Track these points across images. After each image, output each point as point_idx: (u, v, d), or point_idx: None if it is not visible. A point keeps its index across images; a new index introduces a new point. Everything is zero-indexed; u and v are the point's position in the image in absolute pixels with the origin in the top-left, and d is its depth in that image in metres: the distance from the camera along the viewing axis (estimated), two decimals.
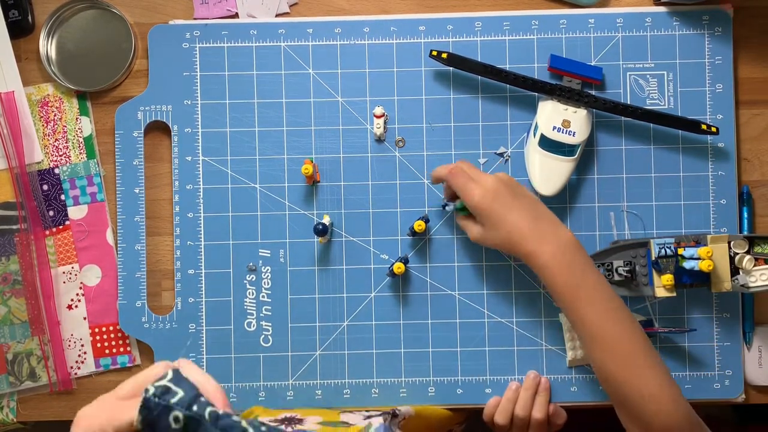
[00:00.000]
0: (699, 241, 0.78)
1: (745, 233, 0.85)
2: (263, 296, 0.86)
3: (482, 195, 0.75)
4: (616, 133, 0.86)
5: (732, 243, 0.78)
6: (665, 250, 0.77)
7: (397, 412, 0.78)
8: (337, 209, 0.87)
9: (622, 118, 0.85)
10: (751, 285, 0.77)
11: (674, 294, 0.77)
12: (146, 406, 0.48)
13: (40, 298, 0.86)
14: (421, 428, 0.84)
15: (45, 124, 0.88)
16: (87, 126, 0.88)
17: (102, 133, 0.88)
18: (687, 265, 0.76)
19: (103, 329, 0.87)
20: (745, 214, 0.86)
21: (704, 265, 0.75)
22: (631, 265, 0.80)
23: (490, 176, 0.77)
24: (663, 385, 0.71)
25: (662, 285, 0.77)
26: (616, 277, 0.80)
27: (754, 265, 0.77)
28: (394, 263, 0.82)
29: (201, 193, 0.87)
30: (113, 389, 0.53)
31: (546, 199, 0.85)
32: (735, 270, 0.78)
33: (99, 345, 0.87)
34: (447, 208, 0.84)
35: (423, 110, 0.87)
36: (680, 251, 0.77)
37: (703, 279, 0.78)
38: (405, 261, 0.83)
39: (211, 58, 0.87)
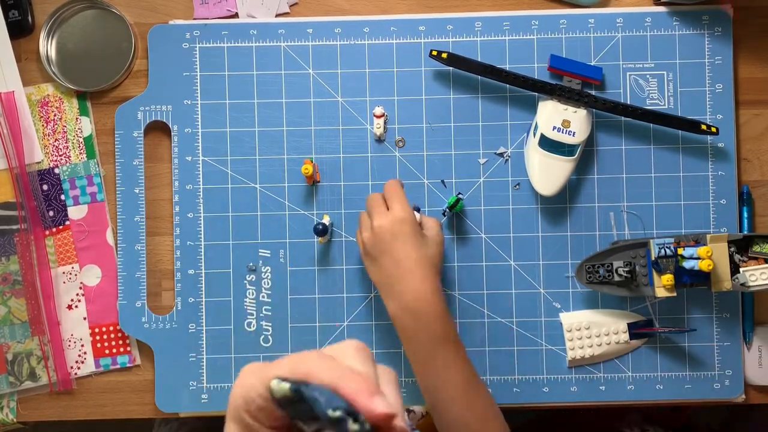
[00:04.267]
0: (699, 241, 0.78)
1: (745, 233, 0.85)
2: (263, 296, 0.86)
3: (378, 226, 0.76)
4: (616, 133, 0.86)
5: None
6: (665, 250, 0.77)
7: (410, 409, 0.79)
8: (337, 209, 0.87)
9: (622, 118, 0.85)
10: (751, 284, 0.77)
11: (674, 294, 0.77)
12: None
13: (40, 298, 0.86)
14: (429, 427, 0.84)
15: (45, 124, 0.88)
16: (87, 126, 0.88)
17: (102, 133, 0.88)
18: (687, 264, 0.76)
19: (103, 329, 0.87)
20: (745, 214, 0.86)
21: (704, 265, 0.75)
22: (631, 265, 0.80)
23: (399, 212, 0.75)
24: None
25: (662, 285, 0.77)
26: (616, 278, 0.80)
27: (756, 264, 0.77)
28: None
29: (201, 193, 0.87)
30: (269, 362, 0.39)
31: (546, 199, 0.85)
32: (735, 269, 0.78)
33: (99, 345, 0.87)
34: (446, 215, 0.85)
35: (423, 110, 0.87)
36: (680, 251, 0.77)
37: (703, 279, 0.78)
38: None
39: (211, 58, 0.87)
